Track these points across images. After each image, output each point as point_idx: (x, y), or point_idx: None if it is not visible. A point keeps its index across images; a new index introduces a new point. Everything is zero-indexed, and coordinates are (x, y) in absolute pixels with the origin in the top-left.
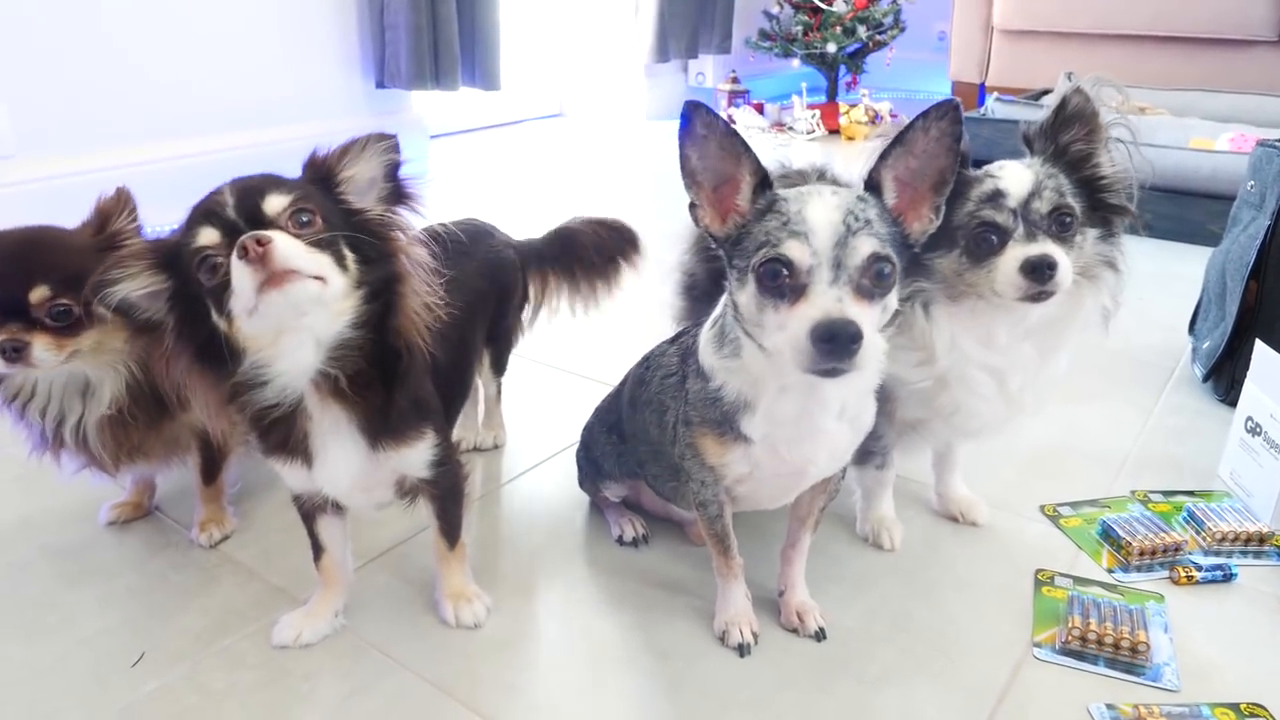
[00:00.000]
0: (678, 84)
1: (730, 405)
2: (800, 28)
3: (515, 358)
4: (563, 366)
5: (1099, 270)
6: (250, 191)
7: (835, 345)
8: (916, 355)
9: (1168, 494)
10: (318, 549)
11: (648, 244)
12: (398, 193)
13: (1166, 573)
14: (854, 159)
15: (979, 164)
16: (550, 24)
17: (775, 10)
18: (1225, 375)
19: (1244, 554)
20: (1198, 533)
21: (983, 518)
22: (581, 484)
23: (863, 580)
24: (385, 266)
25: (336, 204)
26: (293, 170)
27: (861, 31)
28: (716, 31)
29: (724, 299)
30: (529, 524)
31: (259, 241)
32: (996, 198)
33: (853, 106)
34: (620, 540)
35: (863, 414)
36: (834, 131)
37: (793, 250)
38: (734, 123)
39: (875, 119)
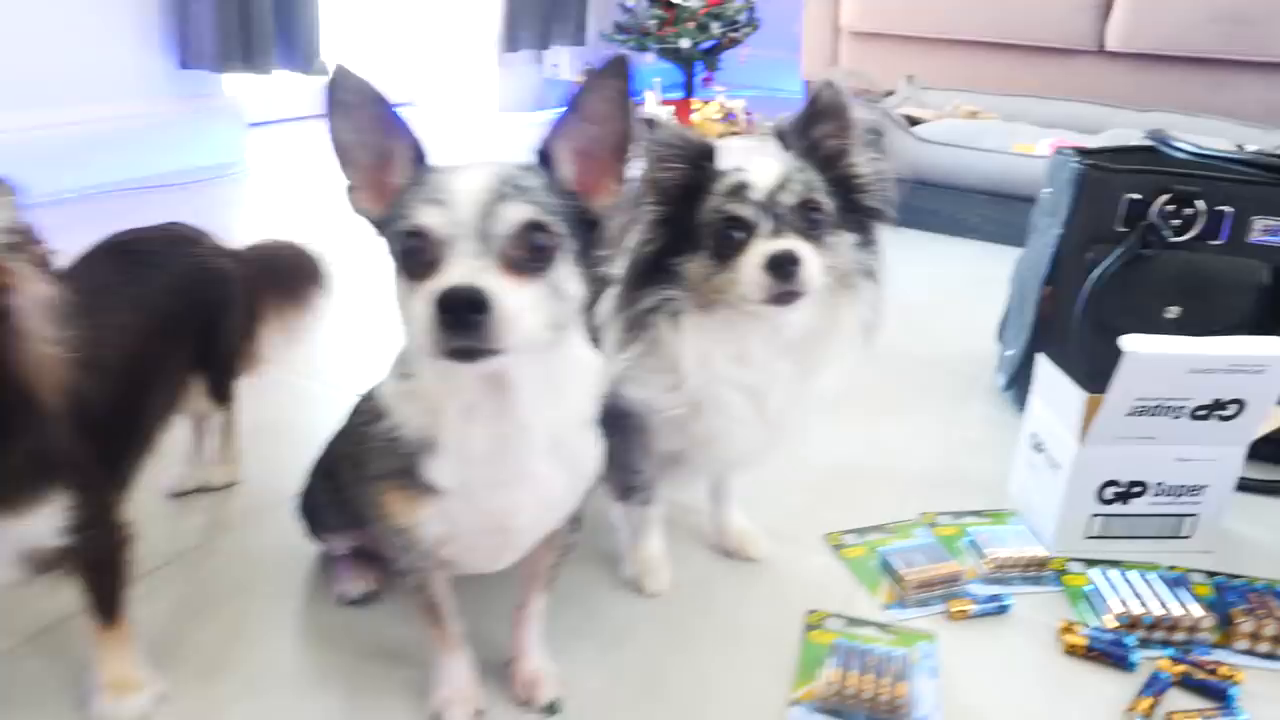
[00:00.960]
0: (532, 75)
1: (412, 446)
2: (655, 21)
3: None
4: (321, 386)
5: (857, 280)
6: None
7: (457, 315)
8: (668, 378)
9: (956, 515)
10: None
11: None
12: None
13: (942, 606)
14: None
15: None
16: (397, 7)
17: (630, 3)
18: (1023, 386)
19: (1023, 580)
20: (978, 560)
21: (759, 552)
22: (306, 533)
23: (618, 634)
24: None
25: None
26: (66, 158)
27: (715, 28)
28: (570, 22)
29: None
30: (247, 581)
31: None
32: (741, 191)
33: (706, 103)
34: (341, 599)
35: (581, 453)
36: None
37: (429, 218)
38: None
39: (728, 117)
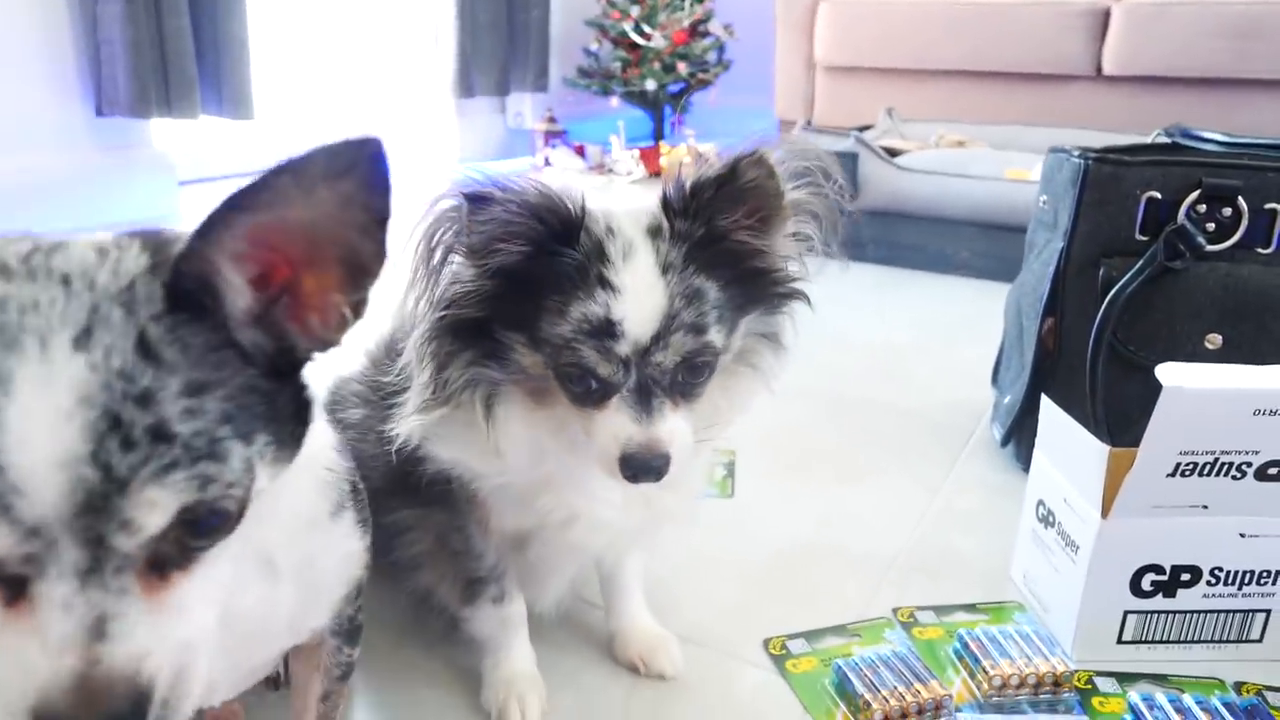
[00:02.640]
0: (495, 124)
1: None
2: (619, 64)
3: None
4: None
5: (759, 353)
6: None
7: None
8: (485, 445)
9: (940, 611)
10: None
11: None
12: None
13: None
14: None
15: None
16: (347, 50)
17: (594, 46)
18: (1026, 438)
19: (1034, 706)
20: (971, 676)
21: (671, 666)
22: None
23: None
24: None
25: None
26: None
27: (682, 69)
28: (530, 68)
29: None
30: None
31: None
32: (603, 335)
33: (673, 148)
34: None
35: (317, 560)
36: (656, 174)
37: None
38: (550, 165)
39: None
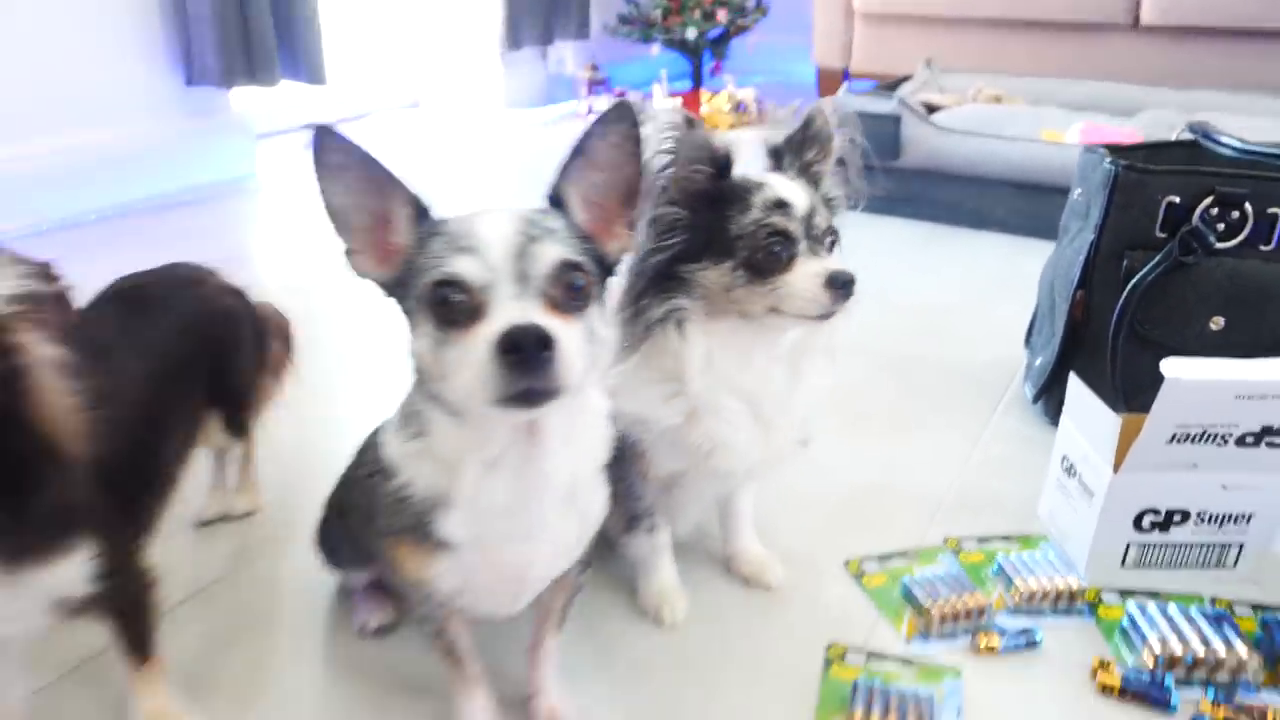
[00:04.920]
0: (537, 72)
1: (422, 503)
2: (660, 11)
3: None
4: (365, 417)
5: None
6: None
7: (525, 355)
8: (665, 388)
9: (982, 540)
10: None
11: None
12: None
13: (968, 639)
14: None
15: None
16: (399, 10)
17: None
18: (1054, 397)
19: (1054, 612)
20: (1006, 590)
21: (775, 580)
22: (324, 565)
23: (635, 668)
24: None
25: None
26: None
27: (722, 16)
28: (573, 17)
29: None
30: (270, 610)
31: None
32: (784, 207)
33: (715, 94)
34: (363, 631)
35: (593, 500)
36: None
37: (462, 266)
38: (594, 113)
39: (738, 107)
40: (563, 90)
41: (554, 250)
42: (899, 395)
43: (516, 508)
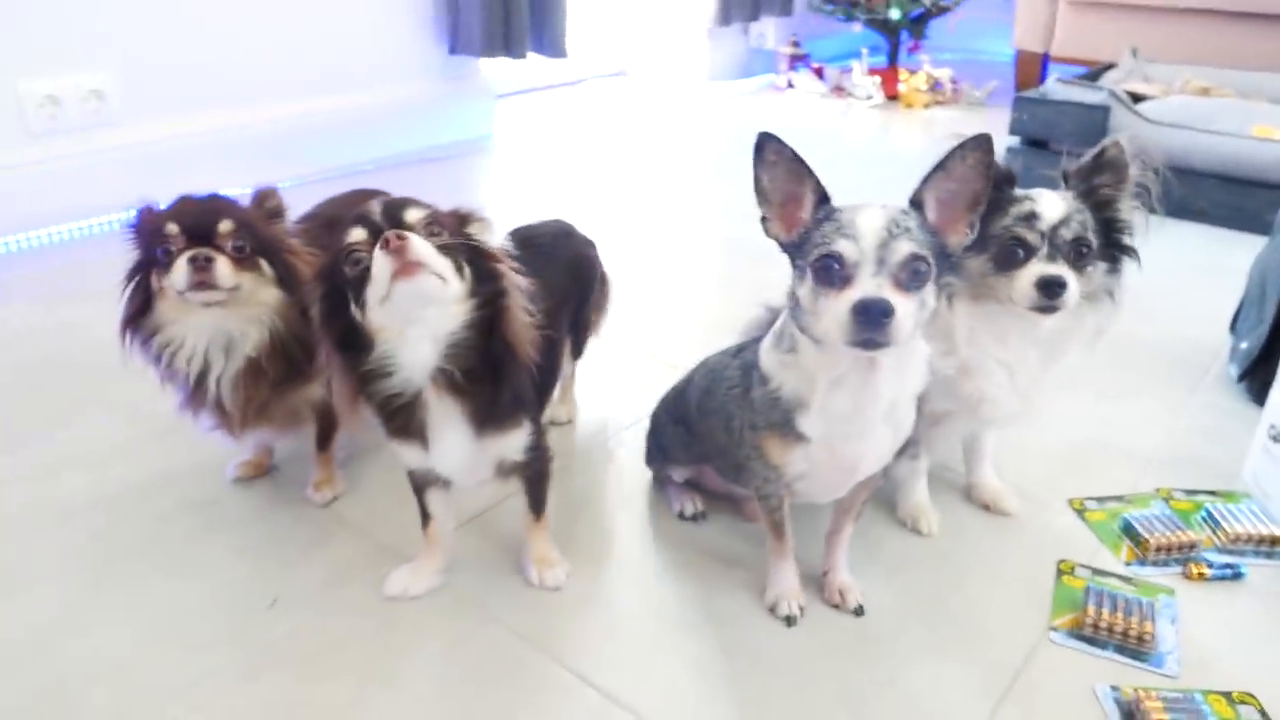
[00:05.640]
0: (739, 45)
1: (788, 404)
2: None
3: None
4: (629, 346)
5: (1101, 297)
6: (395, 204)
7: (869, 317)
8: (941, 345)
9: (1190, 493)
10: (425, 516)
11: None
12: None
13: (1180, 568)
14: (911, 127)
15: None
16: None
17: None
18: (1259, 378)
19: (1256, 554)
20: (1214, 532)
21: (1012, 508)
22: (648, 462)
23: (898, 563)
24: (492, 284)
25: (461, 232)
26: (358, 135)
27: None
28: None
29: (782, 315)
30: (599, 496)
31: (399, 236)
32: (1031, 219)
33: (913, 73)
34: (681, 515)
35: (905, 419)
36: (893, 98)
37: (842, 247)
38: (793, 87)
39: (935, 86)
40: (760, 63)
41: (907, 246)
42: (1109, 366)
43: (853, 415)
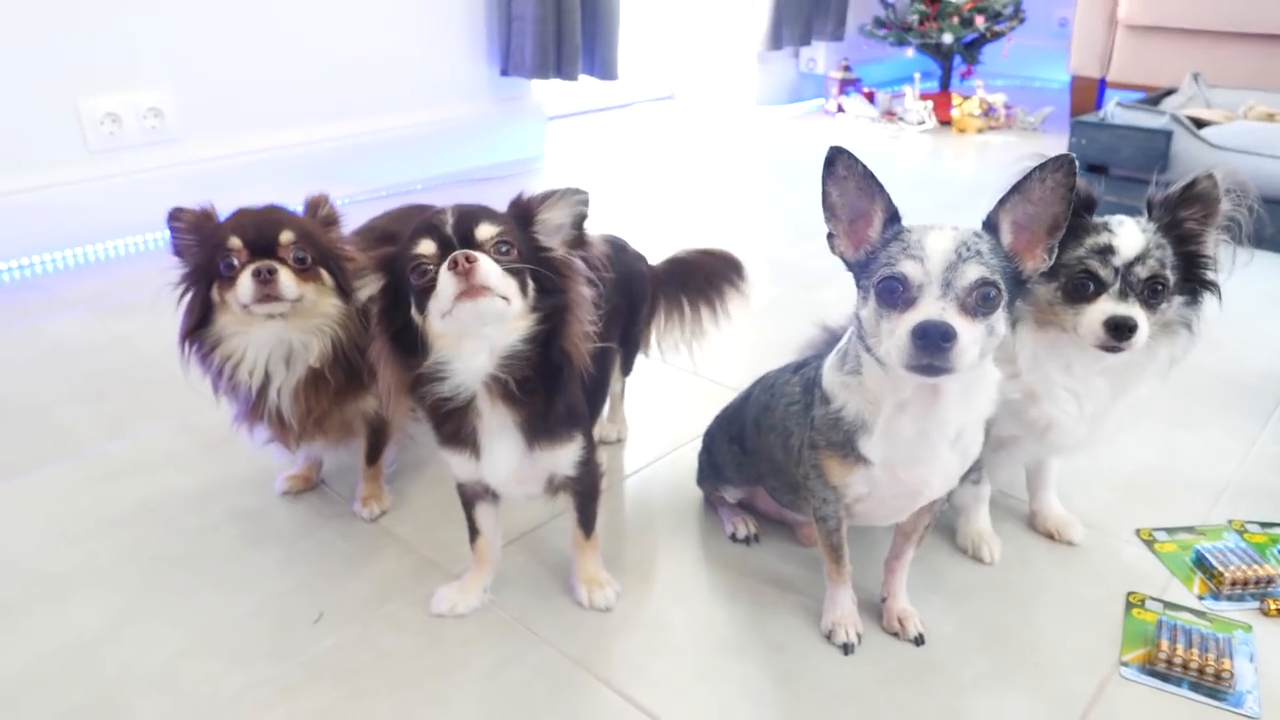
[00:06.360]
0: (789, 70)
1: (850, 426)
2: (917, 16)
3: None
4: (680, 367)
5: (1178, 329)
6: (467, 217)
7: (929, 341)
8: (1006, 369)
9: (1265, 525)
10: (474, 531)
11: (750, 271)
12: (579, 239)
13: (1257, 603)
14: (964, 152)
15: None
16: (666, 9)
17: None
18: None
19: None
20: None
21: (1077, 537)
22: (700, 482)
23: (960, 592)
24: (558, 297)
25: (529, 239)
26: (410, 154)
27: (979, 22)
28: (831, 19)
29: (847, 334)
30: (649, 516)
31: (468, 259)
32: (1106, 253)
33: (966, 98)
34: (733, 537)
35: (972, 444)
36: (945, 123)
37: (907, 269)
38: (843, 111)
39: (989, 112)
40: (810, 88)
41: (976, 270)
42: (1176, 394)
43: (918, 440)
